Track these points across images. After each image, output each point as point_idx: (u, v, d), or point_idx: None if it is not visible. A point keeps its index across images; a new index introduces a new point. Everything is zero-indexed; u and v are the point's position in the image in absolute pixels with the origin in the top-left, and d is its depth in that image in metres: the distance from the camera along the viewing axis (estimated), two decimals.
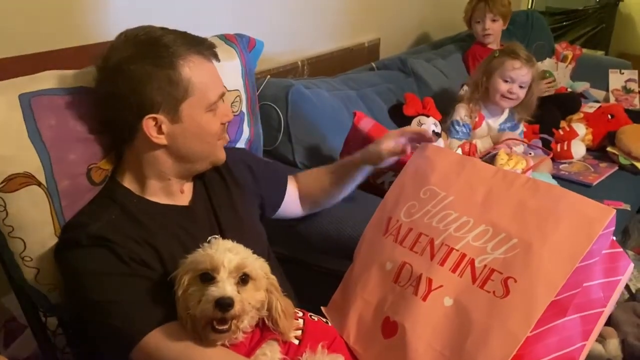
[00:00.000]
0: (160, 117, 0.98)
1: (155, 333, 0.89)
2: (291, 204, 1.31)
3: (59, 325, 1.19)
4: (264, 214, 1.27)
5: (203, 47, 1.01)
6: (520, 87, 1.96)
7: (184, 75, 0.97)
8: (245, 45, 1.35)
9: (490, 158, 1.86)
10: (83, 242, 0.95)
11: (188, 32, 1.03)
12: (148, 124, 0.98)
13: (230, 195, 1.15)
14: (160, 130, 0.99)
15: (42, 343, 1.19)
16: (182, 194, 1.10)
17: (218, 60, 1.05)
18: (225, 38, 1.32)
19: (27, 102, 0.97)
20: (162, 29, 1.00)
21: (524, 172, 1.78)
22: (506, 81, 1.96)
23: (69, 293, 1.01)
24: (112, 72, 0.98)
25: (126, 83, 0.96)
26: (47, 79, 1.03)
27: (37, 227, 1.00)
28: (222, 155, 1.10)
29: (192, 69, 0.98)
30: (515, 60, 1.94)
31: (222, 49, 1.27)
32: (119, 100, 0.98)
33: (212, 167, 1.11)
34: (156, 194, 1.06)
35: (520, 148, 2.08)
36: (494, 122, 2.06)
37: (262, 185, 1.23)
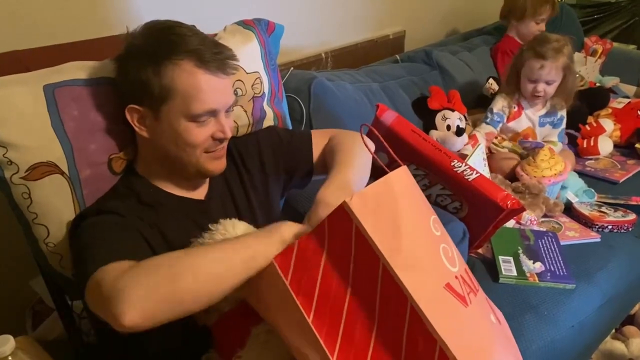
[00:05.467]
0: (143, 110, 0.98)
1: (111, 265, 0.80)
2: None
3: (85, 309, 1.23)
4: (301, 183, 1.24)
5: (210, 57, 0.95)
6: (547, 83, 1.92)
7: (167, 79, 0.94)
8: (264, 28, 1.36)
9: (533, 150, 1.87)
10: (91, 214, 0.96)
11: (209, 37, 1.01)
12: (131, 113, 0.99)
13: (245, 187, 1.15)
14: (144, 123, 1.00)
15: (68, 326, 1.23)
16: (197, 188, 1.10)
17: (226, 74, 0.98)
18: (243, 23, 1.33)
19: (51, 93, 1.00)
20: (186, 28, 0.98)
21: (560, 174, 1.78)
22: (531, 81, 1.93)
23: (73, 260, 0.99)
24: (118, 57, 1.01)
25: (122, 70, 1.00)
26: (71, 70, 1.05)
27: (59, 214, 1.03)
28: (211, 167, 1.04)
29: (178, 74, 0.94)
30: (537, 60, 1.89)
31: (240, 33, 1.30)
32: (117, 86, 1.02)
33: (204, 176, 1.08)
34: (170, 186, 1.07)
35: (559, 147, 2.06)
36: (533, 114, 2.03)
37: (287, 158, 1.21)
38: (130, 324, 0.72)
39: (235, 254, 0.80)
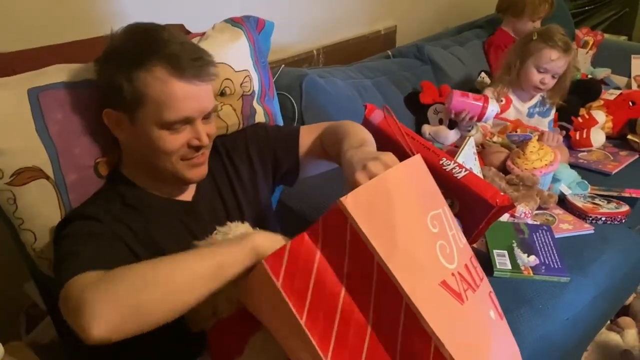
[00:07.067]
0: (118, 114, 0.96)
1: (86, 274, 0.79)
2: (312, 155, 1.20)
3: None
4: (288, 179, 1.23)
5: (186, 65, 0.92)
6: (553, 77, 1.92)
7: (139, 85, 0.91)
8: (253, 25, 1.34)
9: (521, 142, 1.86)
10: (72, 219, 0.94)
11: (189, 42, 0.99)
12: (108, 117, 0.98)
13: (233, 185, 1.14)
14: (120, 127, 0.98)
15: (60, 329, 1.22)
16: (183, 190, 1.09)
17: (203, 81, 0.95)
18: (232, 21, 1.32)
19: (35, 96, 0.99)
20: (166, 32, 0.96)
21: (550, 164, 1.77)
22: (540, 71, 1.92)
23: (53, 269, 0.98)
24: (97, 59, 1.00)
25: (100, 73, 0.99)
26: (55, 73, 1.04)
27: (46, 219, 1.02)
28: (189, 175, 1.01)
29: (150, 81, 0.91)
30: (553, 50, 1.87)
31: (228, 31, 1.28)
32: (96, 89, 1.01)
33: (183, 183, 1.06)
34: (155, 188, 1.05)
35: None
36: (522, 106, 2.03)
37: (273, 150, 1.19)
38: (97, 337, 0.71)
39: (201, 263, 0.78)
